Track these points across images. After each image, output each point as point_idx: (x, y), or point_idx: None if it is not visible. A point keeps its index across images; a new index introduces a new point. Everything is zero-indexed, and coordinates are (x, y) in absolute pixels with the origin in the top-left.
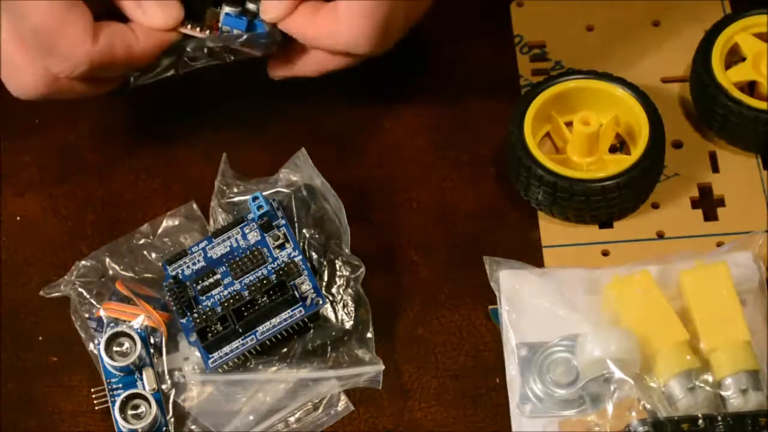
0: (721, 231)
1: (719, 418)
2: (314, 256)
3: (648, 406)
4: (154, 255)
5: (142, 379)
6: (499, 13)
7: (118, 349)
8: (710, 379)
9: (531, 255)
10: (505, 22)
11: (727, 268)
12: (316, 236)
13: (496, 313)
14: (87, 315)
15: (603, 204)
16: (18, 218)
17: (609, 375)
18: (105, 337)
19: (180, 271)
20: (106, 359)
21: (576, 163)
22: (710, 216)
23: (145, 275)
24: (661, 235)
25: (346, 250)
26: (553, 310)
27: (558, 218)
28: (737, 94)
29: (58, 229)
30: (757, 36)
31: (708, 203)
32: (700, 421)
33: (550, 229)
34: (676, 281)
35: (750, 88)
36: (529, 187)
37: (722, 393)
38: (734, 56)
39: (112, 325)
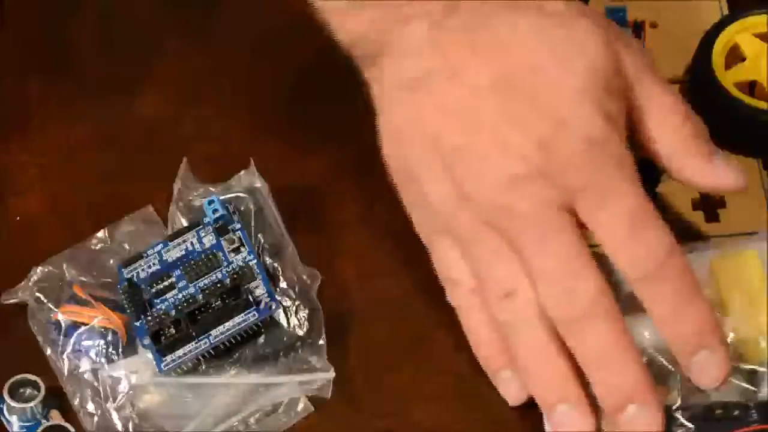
0: (722, 232)
1: (752, 406)
2: (269, 261)
3: (681, 393)
4: (112, 260)
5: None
6: None
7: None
8: (742, 367)
9: None
10: None
11: (758, 256)
12: (270, 241)
13: None
14: (45, 320)
15: None
16: (18, 218)
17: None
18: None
19: (135, 274)
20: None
21: None
22: (711, 217)
23: (103, 280)
24: None
25: (297, 260)
26: None
27: None
28: (737, 94)
29: (58, 229)
30: (757, 36)
31: (709, 205)
32: (736, 412)
33: None
34: (706, 270)
35: (750, 88)
36: None
37: (754, 383)
38: (734, 56)
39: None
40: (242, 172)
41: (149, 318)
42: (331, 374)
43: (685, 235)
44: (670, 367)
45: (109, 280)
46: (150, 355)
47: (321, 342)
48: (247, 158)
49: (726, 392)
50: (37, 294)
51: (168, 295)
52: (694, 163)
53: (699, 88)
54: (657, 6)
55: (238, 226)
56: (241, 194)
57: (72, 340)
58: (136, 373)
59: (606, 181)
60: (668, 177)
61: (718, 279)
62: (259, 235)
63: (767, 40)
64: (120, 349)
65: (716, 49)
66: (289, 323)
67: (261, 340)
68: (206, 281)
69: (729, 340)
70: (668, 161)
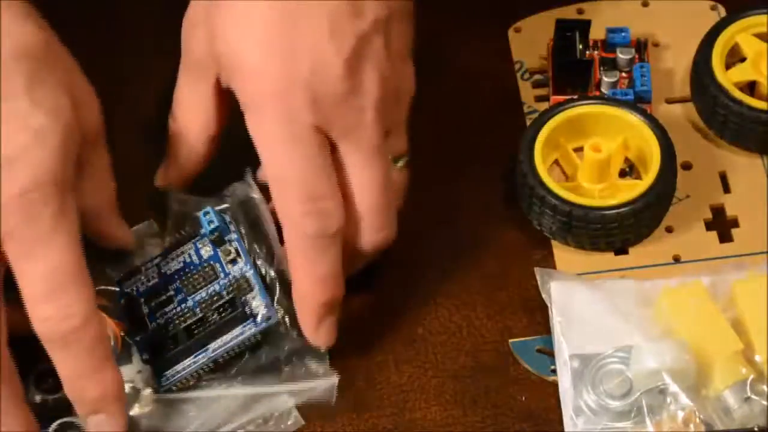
0: (737, 252)
1: None
2: (265, 271)
3: (703, 418)
4: (109, 268)
5: None
6: (498, 15)
7: None
8: (766, 389)
9: (531, 254)
10: (503, 24)
11: None
12: (267, 251)
13: (517, 345)
14: None
15: (619, 231)
16: None
17: (663, 386)
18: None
19: (134, 288)
20: None
21: (587, 190)
22: (725, 237)
23: (101, 286)
24: (677, 259)
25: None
26: (604, 322)
27: (572, 246)
28: (738, 94)
29: None
30: (757, 36)
31: (722, 224)
32: None
33: (565, 258)
34: (728, 292)
35: (750, 88)
36: (542, 217)
37: None
38: (734, 56)
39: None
40: (236, 184)
41: (148, 333)
42: (335, 379)
43: (700, 256)
44: (687, 396)
45: (108, 287)
46: (145, 364)
47: (321, 348)
48: (242, 169)
49: (753, 416)
50: None
51: (166, 309)
52: None
53: (699, 88)
54: (658, 23)
55: (235, 236)
56: (235, 205)
57: None
58: (131, 383)
59: (34, 232)
60: None
61: (740, 301)
62: (254, 245)
63: (767, 40)
64: (115, 357)
65: (716, 49)
66: (289, 332)
67: (262, 349)
68: (203, 294)
69: (757, 359)
70: None
